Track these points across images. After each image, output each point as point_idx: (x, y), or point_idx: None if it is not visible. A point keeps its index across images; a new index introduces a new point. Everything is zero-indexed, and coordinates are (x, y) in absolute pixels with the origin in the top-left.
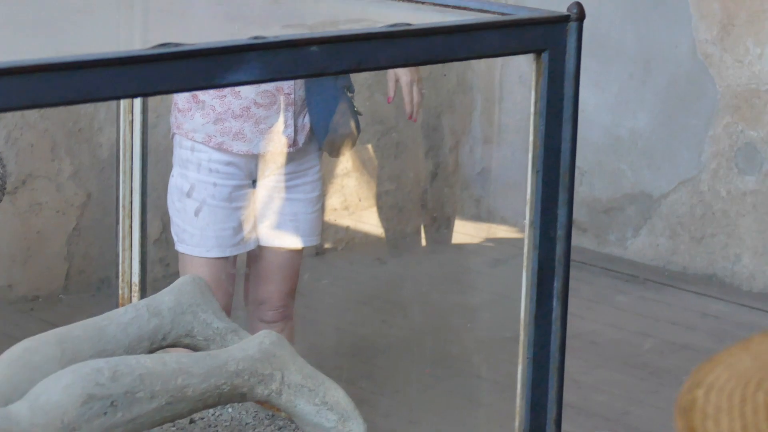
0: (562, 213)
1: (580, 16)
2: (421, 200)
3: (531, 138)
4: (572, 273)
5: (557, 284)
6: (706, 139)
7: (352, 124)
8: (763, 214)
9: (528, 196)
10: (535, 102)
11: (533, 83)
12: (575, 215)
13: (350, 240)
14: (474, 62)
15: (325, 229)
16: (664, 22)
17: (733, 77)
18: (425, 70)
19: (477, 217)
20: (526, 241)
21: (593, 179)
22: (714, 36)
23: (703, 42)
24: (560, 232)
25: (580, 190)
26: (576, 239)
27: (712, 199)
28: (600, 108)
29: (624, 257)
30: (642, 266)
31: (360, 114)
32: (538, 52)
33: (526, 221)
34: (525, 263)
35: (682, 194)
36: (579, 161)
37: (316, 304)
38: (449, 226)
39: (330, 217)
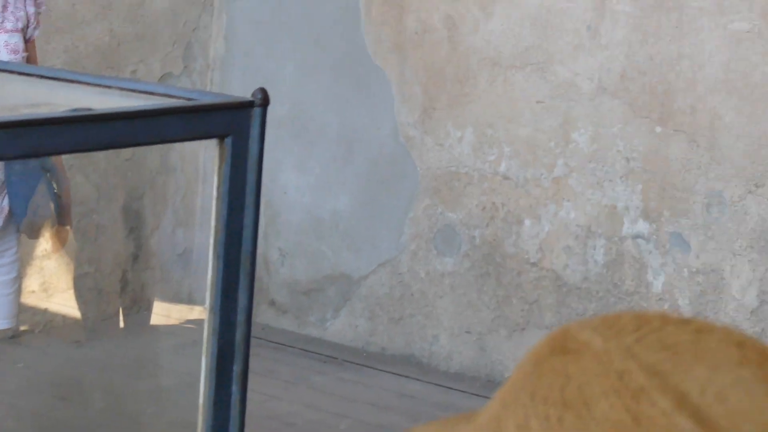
0: (242, 297)
1: (264, 101)
2: (121, 282)
3: (213, 223)
4: (271, 354)
5: (237, 368)
6: (407, 221)
7: (51, 207)
8: (460, 295)
9: (209, 281)
10: (218, 187)
11: (216, 168)
12: (276, 296)
13: (48, 322)
14: (178, 143)
15: (22, 311)
16: (367, 105)
17: (433, 160)
18: (128, 150)
19: (177, 299)
20: (206, 327)
21: (294, 261)
22: (416, 119)
23: (405, 125)
24: (240, 317)
25: (282, 272)
26: (276, 320)
27: (411, 281)
28: (302, 190)
29: (324, 338)
30: (341, 347)
31: (60, 196)
32: (221, 137)
33: (206, 306)
34: (204, 348)
35: (382, 276)
36: (280, 243)
37: (10, 388)
38: (149, 308)
39: (27, 299)
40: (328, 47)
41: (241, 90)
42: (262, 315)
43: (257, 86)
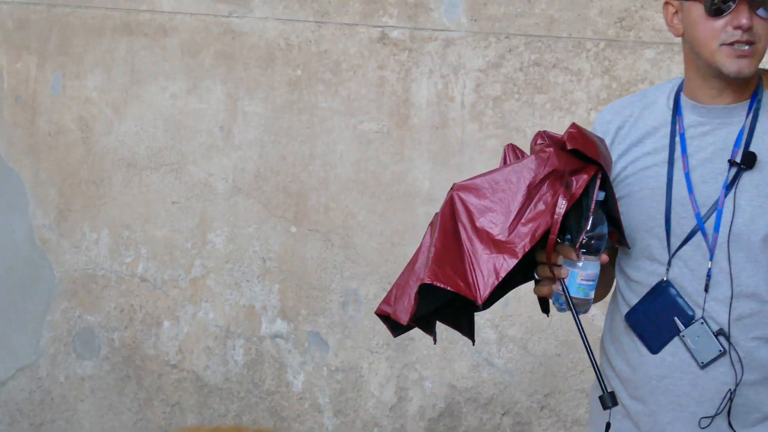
0: None
1: None
2: None
3: None
4: None
5: None
6: (45, 325)
7: None
8: (101, 398)
9: None
10: None
11: None
12: None
13: None
14: None
15: None
16: (1, 208)
17: (70, 262)
18: None
19: None
20: None
21: None
22: (51, 221)
23: (40, 227)
24: None
25: None
26: None
27: (51, 385)
28: None
29: None
30: None
31: None
32: None
33: None
34: None
35: (21, 381)
36: None
37: None
38: None
39: None
40: None
41: None
42: None
43: None
